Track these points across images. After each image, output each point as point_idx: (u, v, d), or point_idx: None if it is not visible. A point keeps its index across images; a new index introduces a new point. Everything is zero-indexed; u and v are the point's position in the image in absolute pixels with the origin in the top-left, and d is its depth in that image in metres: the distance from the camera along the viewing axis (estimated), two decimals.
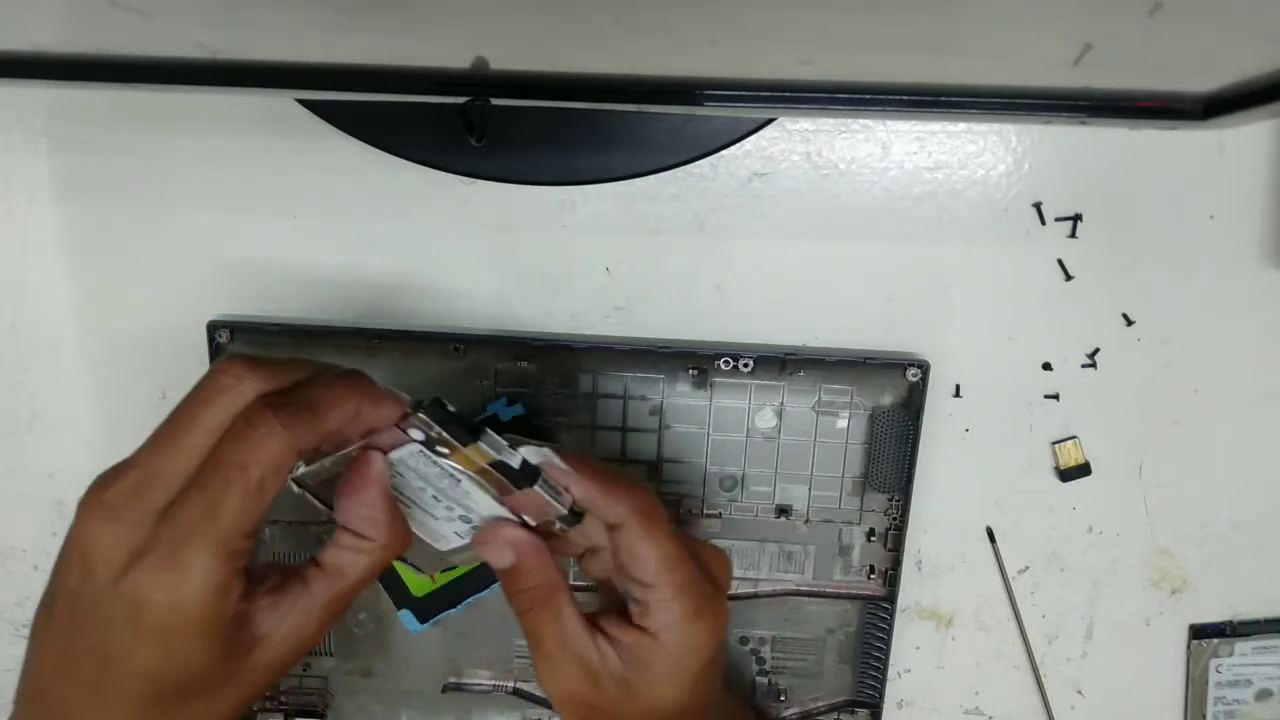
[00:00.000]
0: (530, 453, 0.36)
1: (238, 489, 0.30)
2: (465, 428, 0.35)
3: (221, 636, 0.31)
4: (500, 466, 0.35)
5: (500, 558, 0.36)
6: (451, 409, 0.35)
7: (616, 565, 0.37)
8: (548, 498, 0.35)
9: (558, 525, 0.36)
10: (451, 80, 0.39)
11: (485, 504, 0.36)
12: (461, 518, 0.37)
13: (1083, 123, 0.43)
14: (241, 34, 0.36)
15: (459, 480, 0.36)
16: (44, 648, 0.31)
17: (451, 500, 0.36)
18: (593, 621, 0.37)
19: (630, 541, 0.35)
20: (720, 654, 0.38)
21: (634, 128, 0.44)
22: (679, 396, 0.47)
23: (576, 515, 0.36)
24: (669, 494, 0.48)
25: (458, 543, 0.37)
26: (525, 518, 0.36)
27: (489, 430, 0.36)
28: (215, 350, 0.47)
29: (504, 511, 0.36)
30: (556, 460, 0.36)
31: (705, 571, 0.37)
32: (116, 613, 0.30)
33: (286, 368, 0.32)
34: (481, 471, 0.35)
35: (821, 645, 0.49)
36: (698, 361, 0.46)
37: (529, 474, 0.35)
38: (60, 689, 0.31)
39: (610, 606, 0.38)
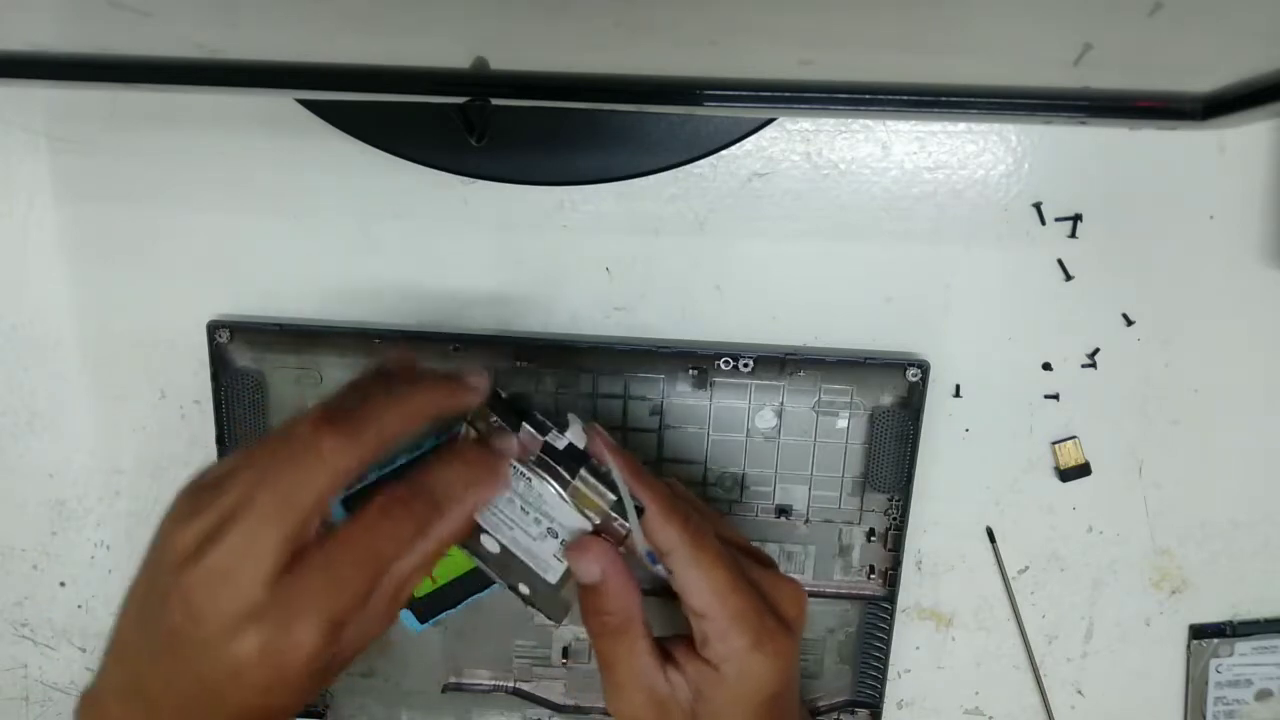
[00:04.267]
0: (574, 433, 0.36)
1: (364, 575, 0.31)
2: (515, 411, 0.36)
3: (314, 679, 0.32)
4: (549, 450, 0.36)
5: (588, 571, 0.36)
6: (503, 395, 0.36)
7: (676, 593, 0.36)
8: (595, 482, 0.35)
9: (617, 523, 0.36)
10: (451, 80, 0.39)
11: (559, 506, 0.36)
12: (550, 531, 0.37)
13: (1083, 123, 0.43)
14: (241, 34, 0.36)
15: (530, 480, 0.36)
16: (141, 652, 0.32)
17: (536, 510, 0.37)
18: (664, 649, 0.36)
19: (681, 569, 0.35)
20: (792, 687, 0.37)
21: (634, 128, 0.44)
22: (679, 396, 0.47)
23: (638, 509, 0.36)
24: None
25: (558, 569, 0.37)
26: (589, 515, 0.36)
27: (535, 413, 0.36)
28: (215, 350, 0.47)
29: (578, 516, 0.36)
30: (597, 434, 0.36)
31: (767, 602, 0.36)
32: (223, 662, 0.30)
33: (375, 426, 0.33)
34: (538, 462, 0.36)
35: (821, 645, 0.49)
36: (698, 361, 0.46)
37: (574, 456, 0.36)
38: (159, 692, 0.32)
39: (685, 631, 0.37)
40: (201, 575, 0.30)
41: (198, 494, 0.32)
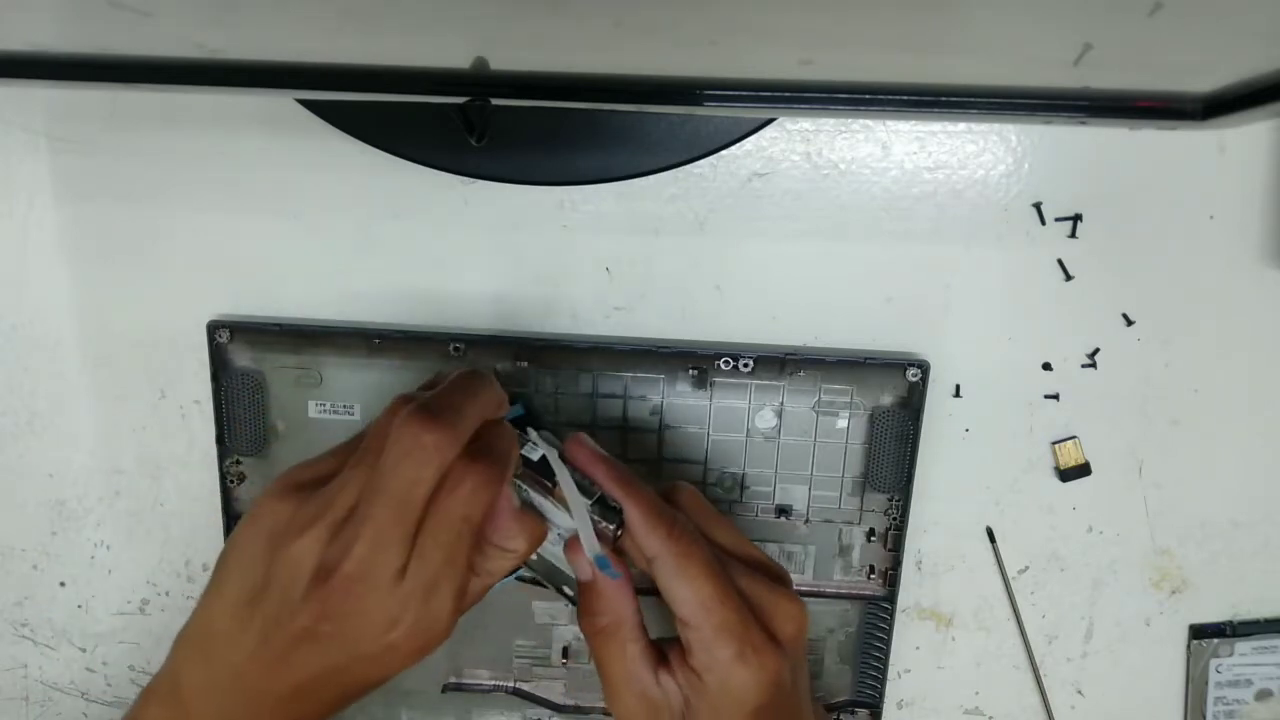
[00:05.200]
0: (546, 447, 0.37)
1: (467, 539, 0.34)
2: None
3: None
4: (528, 463, 0.37)
5: (580, 570, 0.37)
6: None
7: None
8: (572, 491, 0.36)
9: (601, 525, 0.36)
10: (451, 80, 0.39)
11: (556, 514, 0.37)
12: (560, 537, 0.38)
13: (1083, 123, 0.43)
14: (241, 34, 0.36)
15: (530, 492, 0.37)
16: (246, 648, 0.34)
17: (545, 520, 0.37)
18: (659, 653, 0.37)
19: (665, 578, 0.35)
20: (786, 700, 0.36)
21: (634, 128, 0.44)
22: (679, 396, 0.47)
23: (614, 510, 0.36)
24: None
25: None
26: (602, 551, 0.37)
27: (513, 429, 0.37)
28: (215, 350, 0.47)
29: (569, 520, 0.37)
30: (556, 455, 0.37)
31: (757, 616, 0.36)
32: (366, 652, 0.33)
33: (457, 406, 0.35)
34: (522, 475, 0.37)
35: (821, 645, 0.49)
36: (698, 361, 0.46)
37: (546, 467, 0.37)
38: (267, 684, 0.34)
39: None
40: (339, 584, 0.32)
41: (301, 498, 0.34)
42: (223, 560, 0.35)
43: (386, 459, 0.33)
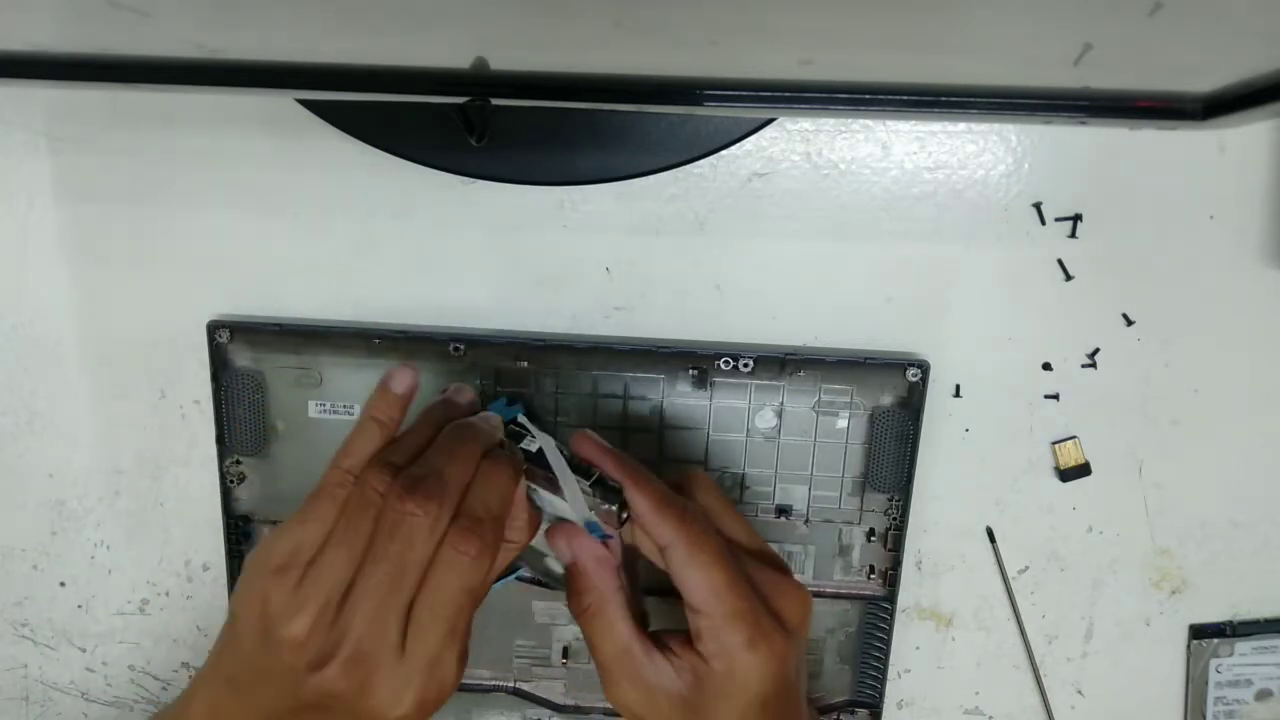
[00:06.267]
0: (541, 436, 0.37)
1: (468, 609, 0.34)
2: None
3: None
4: (529, 457, 0.37)
5: (560, 554, 0.37)
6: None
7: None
8: (561, 466, 0.36)
9: (604, 507, 0.36)
10: (451, 80, 0.39)
11: (565, 508, 0.37)
12: None
13: (1083, 123, 0.43)
14: (241, 34, 0.36)
15: (539, 491, 0.37)
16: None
17: (555, 520, 0.38)
18: (657, 638, 0.37)
19: (678, 566, 0.35)
20: (790, 692, 0.36)
21: (634, 128, 0.44)
22: (679, 396, 0.47)
23: (614, 490, 0.36)
24: None
25: None
26: (593, 517, 0.37)
27: (508, 424, 0.38)
28: (215, 350, 0.47)
29: (573, 512, 0.37)
30: (551, 443, 0.37)
31: (766, 603, 0.36)
32: None
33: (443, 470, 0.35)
34: (528, 473, 0.37)
35: (821, 645, 0.49)
36: (698, 361, 0.46)
37: (544, 458, 0.37)
38: None
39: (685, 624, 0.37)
40: (339, 669, 0.33)
41: (287, 581, 0.34)
42: (221, 643, 0.35)
43: (378, 539, 0.33)
